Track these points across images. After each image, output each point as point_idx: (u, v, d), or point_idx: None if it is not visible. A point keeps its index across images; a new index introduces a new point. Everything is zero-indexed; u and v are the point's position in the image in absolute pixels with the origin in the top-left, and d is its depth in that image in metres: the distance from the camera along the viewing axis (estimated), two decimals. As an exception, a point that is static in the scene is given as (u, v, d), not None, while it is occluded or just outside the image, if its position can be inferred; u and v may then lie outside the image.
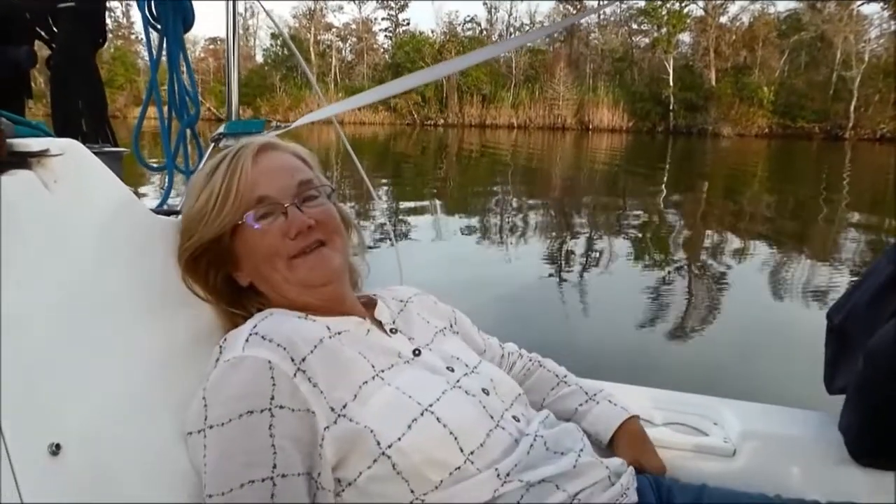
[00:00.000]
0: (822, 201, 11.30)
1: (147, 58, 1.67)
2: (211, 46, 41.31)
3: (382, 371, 0.87)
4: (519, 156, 20.94)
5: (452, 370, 0.93)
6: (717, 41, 36.65)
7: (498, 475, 0.81)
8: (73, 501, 0.70)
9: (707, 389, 1.35)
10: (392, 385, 0.84)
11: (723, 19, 38.05)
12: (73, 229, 0.84)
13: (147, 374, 0.87)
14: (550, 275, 5.81)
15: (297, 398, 0.78)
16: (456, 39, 42.05)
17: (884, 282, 1.11)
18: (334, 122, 1.78)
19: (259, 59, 46.11)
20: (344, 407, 0.80)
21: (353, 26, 46.69)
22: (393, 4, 45.34)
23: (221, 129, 1.47)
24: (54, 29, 2.01)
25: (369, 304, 1.03)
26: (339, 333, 0.89)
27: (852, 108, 31.38)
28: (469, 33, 43.87)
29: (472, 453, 0.81)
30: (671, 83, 35.42)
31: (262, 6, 1.89)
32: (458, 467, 0.80)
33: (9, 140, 0.78)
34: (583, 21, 43.52)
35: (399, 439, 0.78)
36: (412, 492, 0.78)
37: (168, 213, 1.08)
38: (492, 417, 0.88)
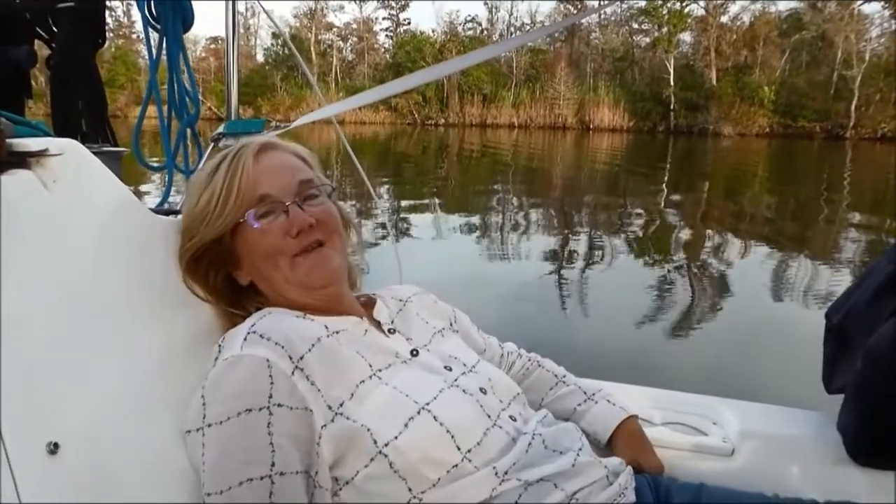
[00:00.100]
0: (823, 202, 11.29)
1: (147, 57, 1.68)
2: (212, 46, 41.29)
3: (380, 371, 0.87)
4: (520, 155, 20.93)
5: (450, 369, 0.93)
6: (717, 40, 36.60)
7: (496, 473, 0.81)
8: (72, 501, 0.70)
9: (706, 389, 1.36)
10: (389, 385, 0.85)
11: (723, 19, 38.03)
12: (73, 229, 0.84)
13: (147, 374, 0.87)
14: (550, 273, 5.81)
15: (295, 396, 0.78)
16: (457, 39, 42.01)
17: (883, 281, 1.11)
18: (334, 122, 1.78)
19: (260, 58, 46.15)
20: (341, 405, 0.80)
21: (354, 26, 46.72)
22: (394, 4, 45.34)
23: (221, 128, 1.47)
24: (54, 29, 2.01)
25: (368, 304, 1.03)
26: (338, 332, 0.89)
27: (853, 107, 31.32)
28: (470, 33, 43.87)
29: (469, 451, 0.81)
30: (672, 83, 35.36)
31: (261, 6, 1.89)
32: (456, 465, 0.80)
33: (8, 140, 0.78)
34: (584, 21, 43.54)
35: (396, 438, 0.78)
36: (410, 490, 0.78)
37: (168, 213, 1.08)
38: (489, 416, 0.88)
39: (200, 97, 1.79)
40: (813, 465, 1.11)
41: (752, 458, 1.13)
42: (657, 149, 25.26)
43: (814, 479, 1.08)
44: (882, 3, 33.52)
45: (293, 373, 0.79)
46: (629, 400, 1.15)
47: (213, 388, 0.78)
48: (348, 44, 46.88)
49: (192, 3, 1.61)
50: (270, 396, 0.76)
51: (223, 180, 0.92)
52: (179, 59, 1.62)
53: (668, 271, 6.03)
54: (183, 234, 0.96)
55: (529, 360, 1.21)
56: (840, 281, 5.57)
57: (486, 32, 43.66)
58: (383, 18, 46.67)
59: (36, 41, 2.03)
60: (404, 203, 9.85)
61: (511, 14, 45.72)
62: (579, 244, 7.26)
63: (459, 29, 44.16)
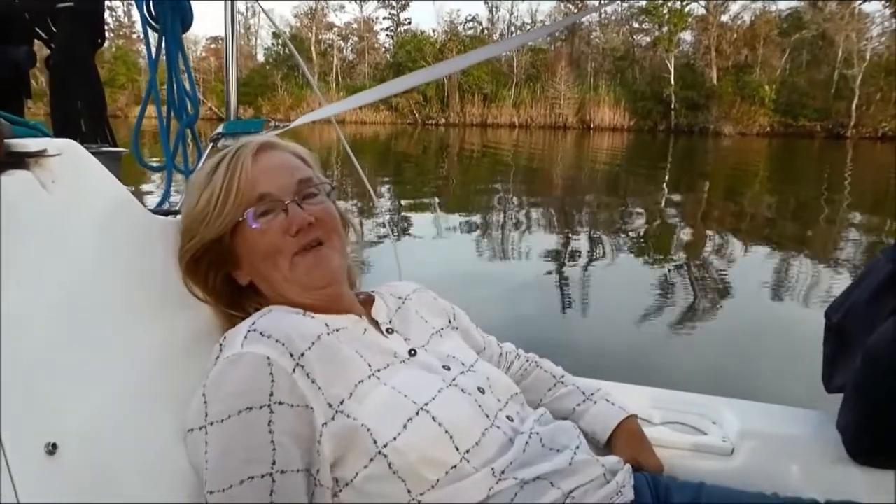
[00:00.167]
0: (824, 201, 11.28)
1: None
2: (212, 46, 41.33)
3: (378, 370, 0.87)
4: (520, 155, 20.92)
5: (448, 369, 0.93)
6: (718, 40, 36.61)
7: (493, 473, 0.81)
8: (71, 501, 0.70)
9: (706, 389, 1.36)
10: (388, 385, 0.85)
11: (724, 18, 38.05)
12: (72, 229, 0.84)
13: (147, 374, 0.87)
14: (550, 273, 5.81)
15: (296, 394, 0.78)
16: (457, 39, 42.04)
17: (883, 280, 1.11)
18: (333, 122, 1.77)
19: (260, 58, 46.19)
20: (341, 403, 0.80)
21: (355, 26, 46.77)
22: (394, 4, 45.38)
23: (220, 128, 1.47)
24: (53, 29, 2.01)
25: (367, 302, 1.03)
26: (338, 331, 0.89)
27: (854, 106, 31.32)
28: (470, 32, 43.91)
29: (467, 452, 0.81)
30: (672, 82, 35.37)
31: (261, 6, 1.89)
32: (454, 466, 0.80)
33: (6, 140, 0.78)
34: (584, 20, 43.47)
35: (395, 439, 0.78)
36: (409, 492, 0.78)
37: (167, 213, 1.08)
38: (487, 416, 0.88)
39: (200, 97, 1.79)
40: (812, 464, 1.11)
41: (752, 457, 1.13)
42: (658, 148, 25.25)
43: (813, 479, 1.08)
44: (882, 2, 33.53)
45: (294, 370, 0.79)
46: (628, 399, 1.15)
47: (215, 387, 0.78)
48: (349, 43, 46.94)
49: (192, 3, 1.62)
50: (271, 394, 0.76)
51: (222, 180, 0.92)
52: (179, 58, 1.62)
53: (669, 271, 6.02)
54: (183, 234, 0.96)
55: (528, 360, 1.21)
56: (840, 281, 5.56)
57: (486, 32, 43.71)
58: (384, 18, 46.79)
59: (35, 41, 2.03)
60: (404, 202, 9.85)
61: (511, 13, 45.73)
62: (579, 244, 7.26)
63: (460, 28, 44.24)
